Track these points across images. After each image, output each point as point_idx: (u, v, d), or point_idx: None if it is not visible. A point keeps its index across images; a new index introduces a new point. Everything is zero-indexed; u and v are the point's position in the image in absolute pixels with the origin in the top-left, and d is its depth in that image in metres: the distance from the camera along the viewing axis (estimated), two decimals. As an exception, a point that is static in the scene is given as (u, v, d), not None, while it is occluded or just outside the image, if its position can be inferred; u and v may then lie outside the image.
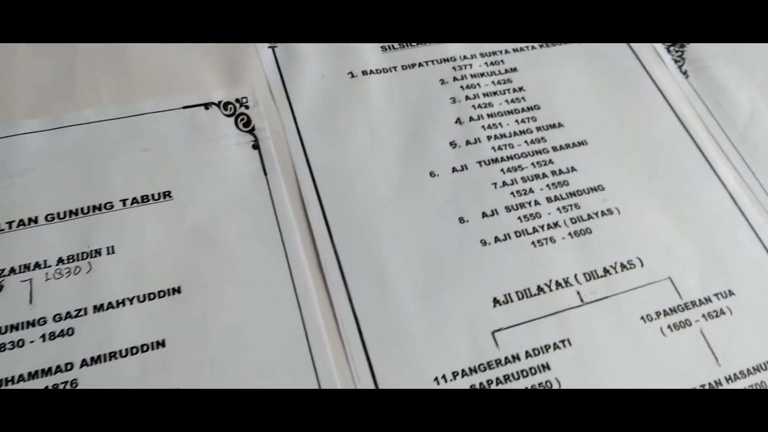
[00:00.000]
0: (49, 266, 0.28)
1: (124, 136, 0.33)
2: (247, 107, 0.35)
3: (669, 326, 0.31)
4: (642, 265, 0.33)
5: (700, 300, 0.32)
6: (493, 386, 0.29)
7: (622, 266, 0.33)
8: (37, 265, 0.28)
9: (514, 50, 0.40)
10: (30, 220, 0.29)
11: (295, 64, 0.37)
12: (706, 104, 0.40)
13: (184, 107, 0.34)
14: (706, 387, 0.30)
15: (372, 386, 0.28)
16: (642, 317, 0.31)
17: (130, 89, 0.34)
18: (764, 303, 0.33)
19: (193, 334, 0.28)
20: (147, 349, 0.27)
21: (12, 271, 0.28)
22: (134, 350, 0.27)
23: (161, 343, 0.27)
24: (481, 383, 0.29)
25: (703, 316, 0.32)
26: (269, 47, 0.37)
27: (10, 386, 0.26)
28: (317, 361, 0.28)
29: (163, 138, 0.33)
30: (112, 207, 0.30)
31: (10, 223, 0.29)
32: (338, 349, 0.28)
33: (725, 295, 0.33)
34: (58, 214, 0.30)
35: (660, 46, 0.42)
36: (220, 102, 0.35)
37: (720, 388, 0.30)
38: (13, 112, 0.33)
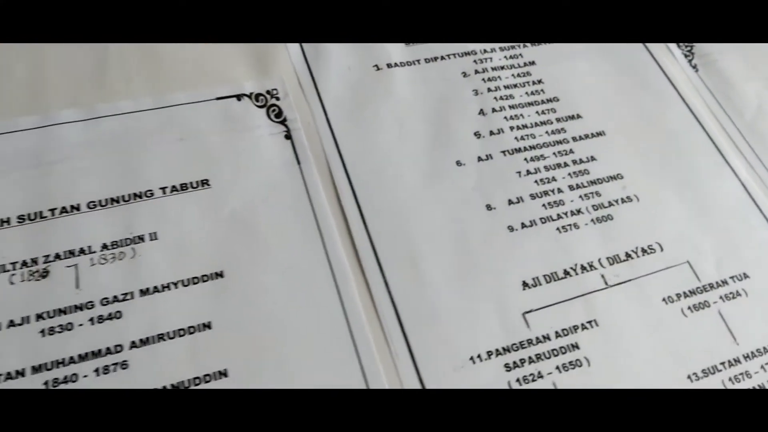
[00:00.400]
0: (94, 252, 0.29)
1: (160, 126, 0.33)
2: (277, 99, 0.35)
3: (689, 307, 0.33)
4: (661, 249, 0.34)
5: (717, 283, 0.34)
6: (526, 365, 0.30)
7: (643, 251, 0.34)
8: (82, 251, 0.29)
9: (532, 44, 0.41)
10: (72, 207, 0.30)
11: (322, 57, 0.38)
12: (715, 97, 0.41)
13: (217, 98, 0.35)
14: (727, 363, 0.31)
15: (411, 364, 0.29)
16: (663, 299, 0.33)
17: (163, 81, 0.35)
18: (777, 285, 0.34)
19: (237, 317, 0.28)
20: (194, 331, 0.28)
21: (57, 256, 0.29)
22: (182, 332, 0.28)
23: (207, 326, 0.28)
24: (514, 362, 0.30)
25: (721, 297, 0.33)
26: (297, 42, 0.38)
27: (61, 368, 0.26)
28: (357, 340, 0.29)
29: (198, 128, 0.34)
30: (152, 195, 0.31)
31: (52, 210, 0.30)
32: (377, 329, 0.29)
33: (740, 278, 0.34)
34: (100, 201, 0.30)
35: (673, 46, 0.43)
36: (251, 93, 0.35)
37: (739, 365, 0.31)
38: (48, 103, 0.33)
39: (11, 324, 0.27)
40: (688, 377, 0.31)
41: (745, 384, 0.31)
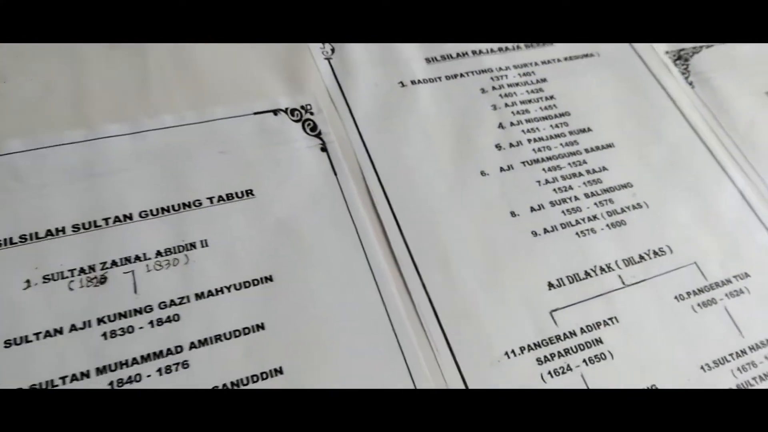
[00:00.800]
0: (149, 259, 0.30)
1: (202, 139, 0.35)
2: (311, 113, 0.37)
3: (698, 304, 0.35)
4: (671, 251, 0.37)
5: (722, 281, 0.37)
6: (556, 359, 0.32)
7: (655, 253, 0.37)
8: (137, 258, 0.30)
9: (543, 62, 0.44)
10: (125, 216, 0.31)
11: (350, 74, 0.40)
12: (711, 111, 0.45)
13: (255, 113, 0.37)
14: (735, 355, 0.34)
15: (451, 360, 0.31)
16: (675, 297, 0.35)
17: (202, 96, 0.37)
18: (776, 283, 0.37)
19: (288, 318, 0.30)
20: (248, 332, 0.29)
21: (114, 263, 0.30)
22: (237, 333, 0.29)
23: (261, 326, 0.30)
24: (545, 356, 0.32)
25: (726, 295, 0.36)
26: (325, 58, 0.40)
27: (125, 369, 0.28)
28: (400, 336, 0.31)
29: (238, 141, 0.35)
30: (200, 204, 0.33)
31: (106, 220, 0.31)
32: (417, 327, 0.31)
33: (743, 276, 0.37)
34: (151, 211, 0.32)
35: (668, 60, 0.47)
36: (287, 108, 0.37)
37: (745, 356, 0.34)
38: (93, 117, 0.35)
39: (73, 328, 0.28)
40: (701, 368, 0.33)
41: (752, 373, 0.34)
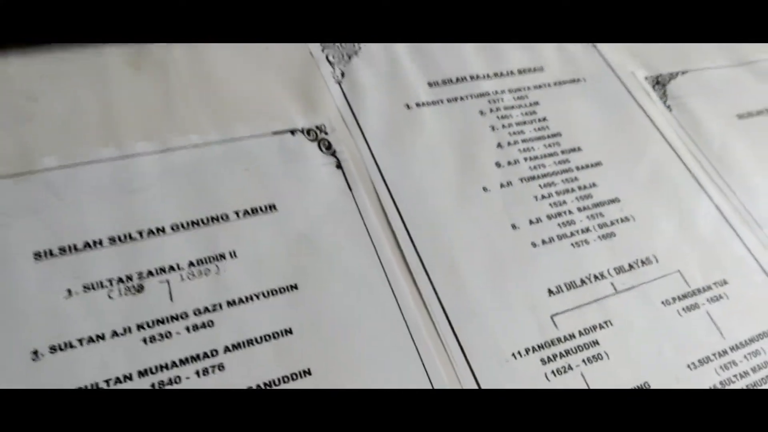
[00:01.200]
0: (182, 269, 0.32)
1: (226, 157, 0.37)
2: (326, 133, 0.40)
3: (683, 308, 0.39)
4: (657, 261, 0.40)
5: (703, 288, 0.40)
6: (558, 359, 0.35)
7: (642, 262, 0.40)
8: (172, 268, 0.32)
9: (535, 87, 0.48)
10: (158, 229, 0.33)
11: (360, 97, 0.43)
12: (688, 133, 0.49)
13: (273, 133, 0.39)
14: (717, 354, 0.37)
15: (464, 361, 0.33)
16: (662, 302, 0.39)
17: (224, 116, 0.39)
18: (751, 289, 0.41)
19: (313, 323, 0.32)
20: (278, 336, 0.31)
21: (150, 273, 0.32)
22: (267, 337, 0.31)
23: (289, 331, 0.32)
24: (548, 357, 0.35)
25: (707, 300, 0.40)
26: (336, 82, 0.43)
27: (165, 372, 0.29)
28: (416, 339, 0.33)
29: (260, 159, 0.38)
30: (227, 218, 0.35)
31: (140, 232, 0.33)
32: (431, 329, 0.34)
33: (721, 283, 0.41)
34: (182, 224, 0.34)
35: (647, 86, 0.51)
36: (303, 129, 0.40)
37: (727, 356, 0.38)
38: (122, 136, 0.37)
39: (114, 334, 0.30)
40: (688, 366, 0.37)
41: (734, 371, 0.37)
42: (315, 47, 0.45)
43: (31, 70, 0.38)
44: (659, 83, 0.51)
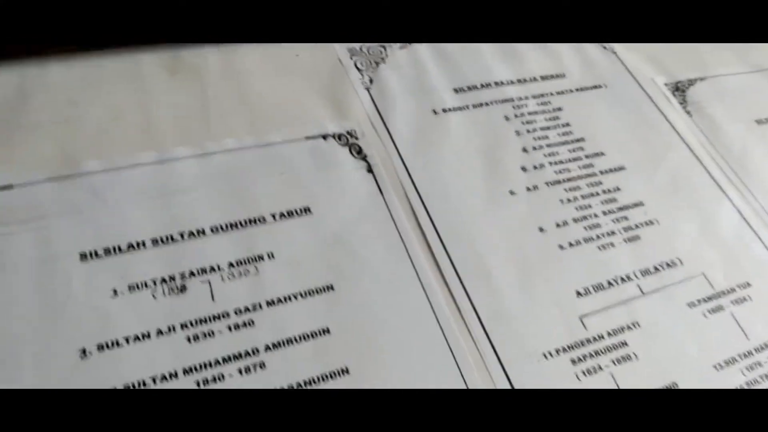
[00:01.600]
0: (223, 270, 0.33)
1: (262, 162, 0.38)
2: (356, 138, 0.41)
3: (708, 311, 0.39)
4: (681, 264, 0.41)
5: (727, 290, 0.41)
6: (588, 360, 0.35)
7: (668, 265, 0.41)
8: (212, 269, 0.33)
9: (558, 93, 0.49)
10: (198, 231, 0.34)
11: (388, 102, 0.44)
12: (708, 138, 0.49)
13: (306, 138, 0.40)
14: (742, 356, 0.38)
15: (497, 361, 0.34)
16: (687, 304, 0.39)
17: (258, 122, 0.40)
18: (774, 291, 0.42)
19: (350, 322, 0.33)
20: (316, 336, 0.32)
21: (191, 274, 0.33)
22: (306, 336, 0.32)
23: (327, 330, 0.33)
24: (578, 357, 0.35)
25: (731, 302, 0.40)
26: (365, 88, 0.44)
27: (209, 369, 0.30)
28: (449, 339, 0.34)
29: (294, 163, 0.39)
30: (264, 221, 0.36)
31: (181, 234, 0.34)
32: (464, 331, 0.35)
33: (744, 286, 0.41)
34: (221, 226, 0.35)
35: (667, 92, 0.52)
36: (334, 134, 0.41)
37: (752, 356, 0.38)
38: (161, 140, 0.38)
39: (159, 332, 0.31)
40: (714, 367, 0.37)
41: (759, 372, 0.38)
42: (344, 55, 0.46)
43: (72, 76, 0.39)
44: (679, 89, 0.52)
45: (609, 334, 0.37)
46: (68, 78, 0.39)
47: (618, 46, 0.54)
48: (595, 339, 0.36)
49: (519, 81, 0.48)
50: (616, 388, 0.35)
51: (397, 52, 0.47)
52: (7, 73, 0.39)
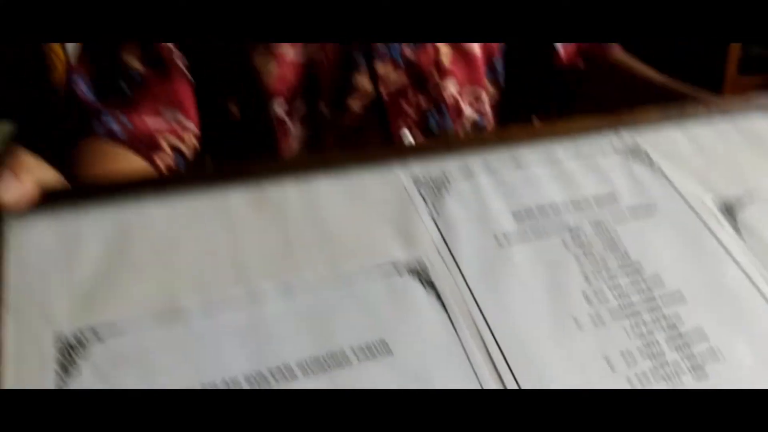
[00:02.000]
0: (310, 408, 0.35)
1: (339, 294, 0.41)
2: (425, 267, 0.44)
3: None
4: (748, 395, 0.42)
5: (797, 424, 0.41)
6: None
7: (735, 397, 0.41)
8: (301, 407, 0.35)
9: (613, 216, 0.51)
10: (286, 367, 0.37)
11: (453, 231, 0.47)
12: (761, 259, 0.51)
13: (379, 268, 0.43)
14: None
15: None
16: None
17: (334, 253, 0.43)
18: None
19: None
20: None
21: (281, 412, 0.35)
22: None
23: None
24: None
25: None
26: (432, 219, 0.47)
27: None
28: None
29: (370, 294, 0.41)
30: (349, 361, 0.38)
31: (271, 372, 0.36)
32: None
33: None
34: (306, 362, 0.37)
35: (717, 212, 0.54)
36: (405, 264, 0.43)
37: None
38: (250, 276, 0.41)
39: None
40: None
41: None
42: (408, 183, 0.49)
43: (170, 215, 0.43)
44: (728, 210, 0.54)
45: (683, 474, 0.37)
46: (167, 218, 0.43)
47: (663, 162, 0.57)
48: (670, 479, 0.37)
49: (574, 207, 0.51)
50: None
51: (459, 180, 0.50)
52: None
